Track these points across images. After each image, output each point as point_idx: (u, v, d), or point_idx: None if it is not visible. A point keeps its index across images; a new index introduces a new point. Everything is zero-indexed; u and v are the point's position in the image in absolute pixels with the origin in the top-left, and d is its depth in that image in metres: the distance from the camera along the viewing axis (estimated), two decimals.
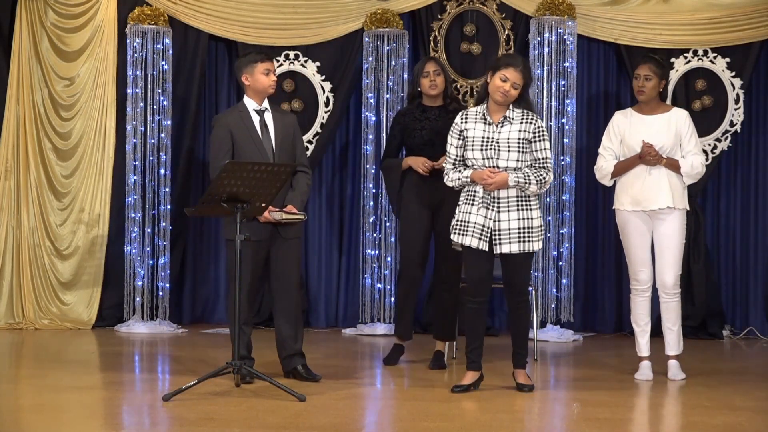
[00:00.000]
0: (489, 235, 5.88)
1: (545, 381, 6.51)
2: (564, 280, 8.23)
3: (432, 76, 6.75)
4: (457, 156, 5.99)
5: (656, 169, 6.43)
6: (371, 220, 8.35)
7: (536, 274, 8.14)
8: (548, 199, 8.19)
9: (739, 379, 6.65)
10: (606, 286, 8.60)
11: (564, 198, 8.23)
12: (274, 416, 5.23)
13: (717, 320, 8.41)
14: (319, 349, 7.42)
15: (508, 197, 5.87)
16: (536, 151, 5.91)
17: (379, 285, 8.34)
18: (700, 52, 8.35)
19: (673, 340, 6.54)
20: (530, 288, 7.54)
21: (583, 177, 8.50)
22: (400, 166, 6.82)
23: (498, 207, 5.87)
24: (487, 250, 5.89)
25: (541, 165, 5.92)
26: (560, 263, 8.23)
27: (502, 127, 5.90)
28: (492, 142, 5.89)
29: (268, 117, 6.23)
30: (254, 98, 6.23)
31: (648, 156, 6.38)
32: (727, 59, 8.32)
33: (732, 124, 8.34)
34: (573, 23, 8.23)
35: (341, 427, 5.09)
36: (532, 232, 5.89)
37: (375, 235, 8.35)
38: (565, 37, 8.20)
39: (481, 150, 5.89)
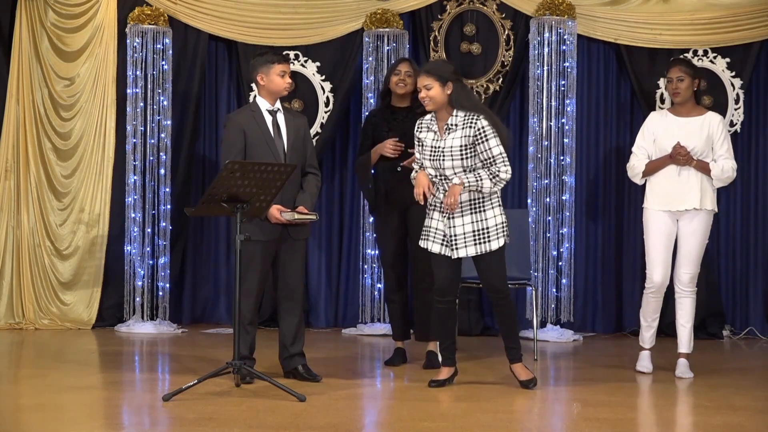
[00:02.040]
0: (448, 241, 5.96)
1: (545, 381, 6.50)
2: (564, 280, 8.23)
3: (402, 75, 6.81)
4: (422, 162, 6.07)
5: (686, 169, 6.50)
6: (371, 220, 8.35)
7: (536, 274, 8.14)
8: (548, 199, 8.19)
9: (739, 379, 6.65)
10: (606, 286, 8.60)
11: (564, 198, 8.23)
12: (274, 416, 5.23)
13: (717, 320, 8.41)
14: (319, 349, 7.42)
15: (461, 203, 5.92)
16: (481, 152, 5.89)
17: (379, 285, 8.34)
18: (700, 52, 8.35)
19: (685, 338, 6.61)
20: (529, 285, 7.56)
21: (583, 177, 8.51)
22: (370, 159, 6.86)
23: (452, 213, 5.94)
24: (449, 255, 5.98)
25: (491, 164, 5.89)
26: (560, 263, 8.23)
27: (447, 134, 5.94)
28: (438, 151, 5.95)
29: (281, 117, 6.23)
30: (267, 98, 6.22)
31: (678, 156, 6.44)
32: (727, 59, 8.33)
33: (732, 124, 8.34)
34: (573, 23, 8.23)
35: (341, 427, 5.09)
36: (489, 233, 5.92)
37: (375, 235, 8.33)
38: (565, 37, 8.20)
39: (431, 159, 5.97)
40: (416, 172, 6.08)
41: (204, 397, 5.62)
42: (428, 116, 6.07)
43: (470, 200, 5.93)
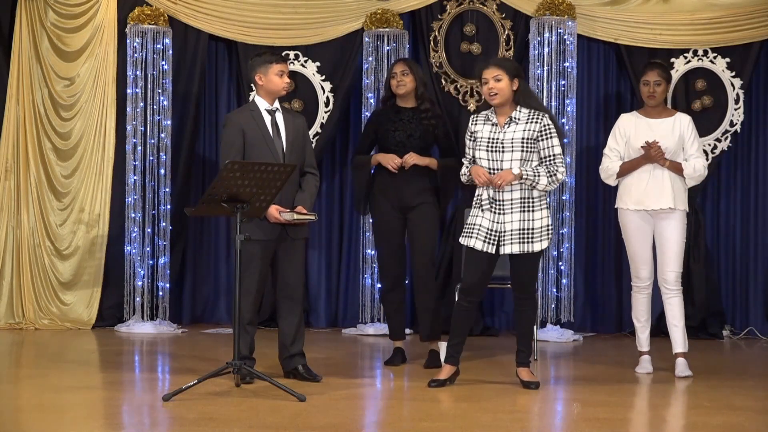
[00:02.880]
0: (496, 238, 5.93)
1: (545, 381, 6.50)
2: (564, 280, 8.23)
3: (399, 77, 6.80)
4: (472, 156, 6.06)
5: (659, 170, 6.57)
6: (371, 220, 8.34)
7: None
8: (548, 199, 8.17)
9: (739, 379, 6.65)
10: (606, 286, 8.61)
11: (564, 198, 8.23)
12: (274, 416, 5.23)
13: (717, 320, 8.41)
14: (319, 349, 7.42)
15: (512, 199, 5.92)
16: (543, 149, 5.94)
17: (379, 285, 8.33)
18: (700, 52, 8.35)
19: (679, 338, 6.63)
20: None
21: (583, 177, 8.51)
22: (369, 162, 6.86)
23: (503, 209, 5.92)
24: (492, 252, 5.94)
25: (550, 162, 5.94)
26: (560, 263, 8.23)
27: (507, 127, 5.94)
28: (497, 142, 5.94)
29: (279, 117, 6.23)
30: (266, 98, 6.23)
31: (650, 149, 6.49)
32: (727, 59, 8.32)
33: (732, 124, 8.34)
34: (573, 23, 8.23)
35: (341, 427, 5.09)
36: (533, 233, 5.92)
37: (373, 234, 8.32)
38: (565, 37, 8.20)
39: (487, 150, 5.95)
40: (467, 167, 6.06)
41: (204, 397, 5.62)
42: (484, 111, 6.07)
43: (521, 198, 5.92)
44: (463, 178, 6.11)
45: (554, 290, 8.23)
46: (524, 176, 5.88)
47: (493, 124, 5.99)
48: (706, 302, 8.32)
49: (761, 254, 8.49)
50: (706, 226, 8.40)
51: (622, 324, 8.51)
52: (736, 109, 8.33)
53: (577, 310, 8.39)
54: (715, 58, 8.34)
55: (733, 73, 8.32)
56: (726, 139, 8.33)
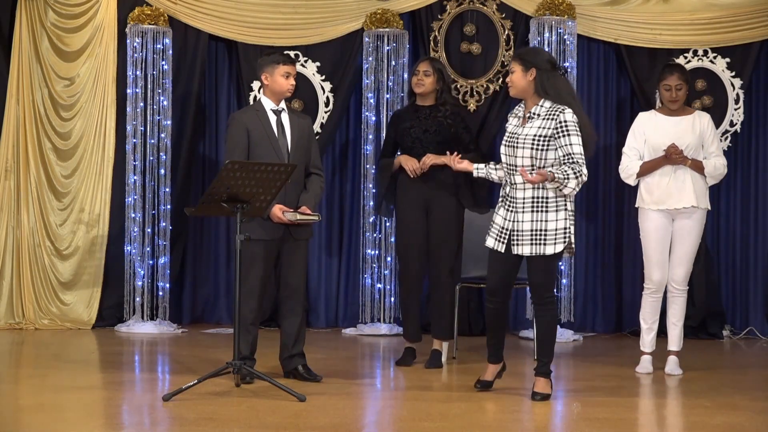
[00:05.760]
0: (507, 236, 5.75)
1: None
2: (564, 280, 8.23)
3: (420, 75, 6.81)
4: None
5: (680, 169, 6.59)
6: (371, 220, 8.35)
7: None
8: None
9: (739, 379, 6.66)
10: (606, 286, 8.60)
11: None
12: (274, 416, 5.23)
13: (717, 320, 8.41)
14: (319, 349, 7.42)
15: (524, 198, 5.69)
16: (561, 147, 5.64)
17: (379, 285, 8.34)
18: (700, 52, 8.35)
19: (676, 336, 6.68)
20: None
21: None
22: (392, 165, 6.86)
23: (515, 207, 5.72)
24: (503, 251, 5.77)
25: (572, 162, 5.60)
26: (560, 263, 8.22)
27: (528, 122, 5.72)
28: (514, 137, 5.73)
29: (285, 118, 6.24)
30: (271, 98, 6.24)
31: (673, 155, 6.51)
32: (727, 59, 8.33)
33: (732, 124, 8.34)
34: (573, 23, 8.23)
35: (341, 427, 5.09)
36: (546, 235, 5.66)
37: (375, 235, 8.35)
38: (565, 37, 8.20)
39: (505, 145, 5.77)
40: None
41: (204, 397, 5.62)
42: (521, 104, 5.86)
43: (534, 197, 5.67)
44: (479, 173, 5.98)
45: (554, 290, 8.22)
46: (557, 176, 5.54)
47: (519, 118, 5.80)
48: (706, 302, 8.32)
49: (761, 254, 8.49)
50: (706, 226, 8.38)
51: (622, 324, 8.51)
52: (736, 109, 8.33)
53: (577, 310, 8.40)
54: (715, 58, 8.34)
55: (733, 73, 8.32)
56: (726, 139, 8.33)
